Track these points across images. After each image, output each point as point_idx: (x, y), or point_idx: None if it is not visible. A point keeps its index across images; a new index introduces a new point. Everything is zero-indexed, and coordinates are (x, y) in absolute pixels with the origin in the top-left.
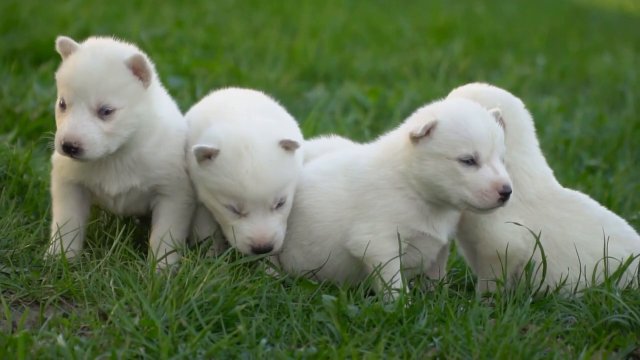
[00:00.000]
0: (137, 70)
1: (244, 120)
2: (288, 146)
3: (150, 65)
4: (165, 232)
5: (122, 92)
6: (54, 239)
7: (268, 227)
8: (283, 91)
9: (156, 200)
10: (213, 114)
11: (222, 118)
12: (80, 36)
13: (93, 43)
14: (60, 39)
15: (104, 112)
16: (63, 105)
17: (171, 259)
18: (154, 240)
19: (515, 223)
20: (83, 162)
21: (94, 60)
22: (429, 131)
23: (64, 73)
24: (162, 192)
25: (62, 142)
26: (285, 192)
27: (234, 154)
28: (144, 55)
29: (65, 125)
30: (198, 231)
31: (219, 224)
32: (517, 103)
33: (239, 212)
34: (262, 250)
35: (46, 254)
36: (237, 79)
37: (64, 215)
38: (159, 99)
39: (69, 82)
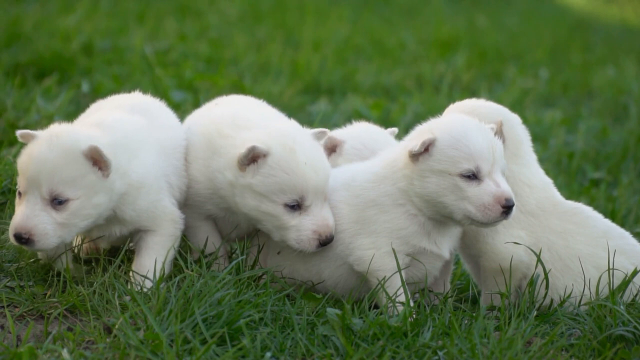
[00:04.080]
0: (96, 160)
1: (272, 123)
2: (320, 137)
3: (108, 157)
4: (149, 262)
5: (78, 183)
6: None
7: (328, 217)
8: (286, 104)
9: (139, 235)
10: (227, 126)
11: (241, 127)
12: (84, 50)
13: (52, 131)
14: (19, 132)
15: (57, 202)
16: (20, 194)
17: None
18: (136, 268)
19: (516, 243)
20: (38, 251)
21: (50, 150)
22: (427, 149)
23: (20, 161)
24: (145, 229)
25: (14, 232)
26: None
27: (286, 150)
28: (99, 147)
29: (18, 215)
30: (201, 245)
31: (261, 231)
32: (514, 118)
33: (301, 206)
34: (328, 241)
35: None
36: (240, 93)
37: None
38: (134, 162)
39: (23, 171)
